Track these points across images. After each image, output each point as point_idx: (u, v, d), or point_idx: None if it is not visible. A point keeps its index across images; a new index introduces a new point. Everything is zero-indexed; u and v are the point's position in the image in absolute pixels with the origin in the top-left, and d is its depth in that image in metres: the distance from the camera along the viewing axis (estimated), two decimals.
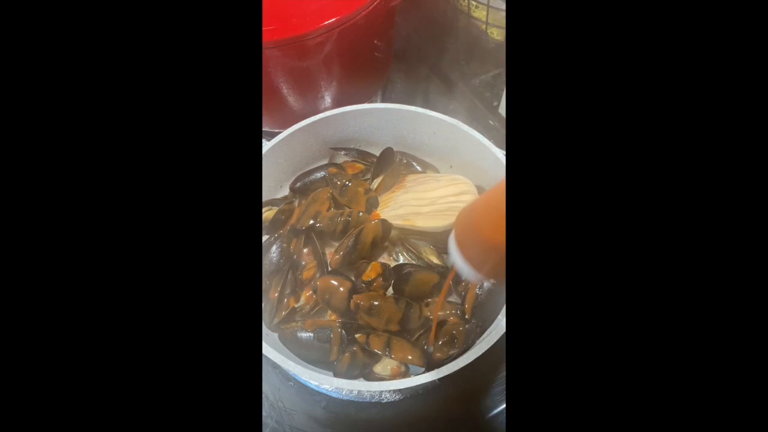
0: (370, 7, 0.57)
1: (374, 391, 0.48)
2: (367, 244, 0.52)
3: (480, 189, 0.55)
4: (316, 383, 0.40)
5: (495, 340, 0.42)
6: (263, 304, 0.50)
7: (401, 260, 0.55)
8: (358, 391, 0.49)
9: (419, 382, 0.39)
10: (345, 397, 0.50)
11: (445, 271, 0.52)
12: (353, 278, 0.51)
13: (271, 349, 0.41)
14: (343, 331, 0.47)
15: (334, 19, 0.55)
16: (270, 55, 0.55)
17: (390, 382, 0.39)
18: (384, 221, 0.53)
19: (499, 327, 0.43)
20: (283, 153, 0.57)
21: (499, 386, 0.50)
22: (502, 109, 0.71)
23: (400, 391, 0.48)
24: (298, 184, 0.59)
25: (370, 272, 0.50)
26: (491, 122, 0.73)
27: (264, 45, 0.53)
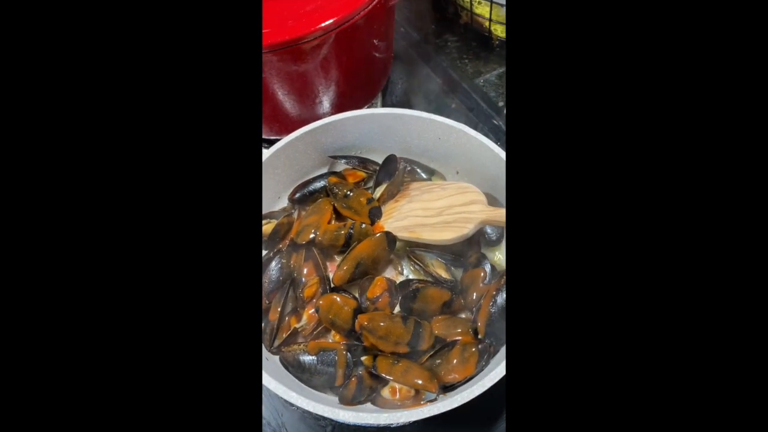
0: (369, 7, 0.54)
1: None
2: (371, 258, 0.49)
3: (488, 197, 0.52)
4: (324, 415, 0.38)
5: None
6: (263, 325, 0.47)
7: (406, 273, 0.52)
8: None
9: (432, 413, 0.36)
10: (360, 421, 0.47)
11: (454, 285, 0.49)
12: (357, 295, 0.48)
13: (271, 379, 0.38)
14: (349, 354, 0.44)
15: (332, 20, 0.52)
16: (265, 60, 0.52)
17: (400, 412, 0.36)
18: (388, 234, 0.50)
19: None
20: (280, 162, 0.54)
21: None
22: None
23: None
24: (297, 195, 0.56)
25: (375, 288, 0.48)
26: (496, 122, 0.70)
27: None
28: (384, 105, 0.74)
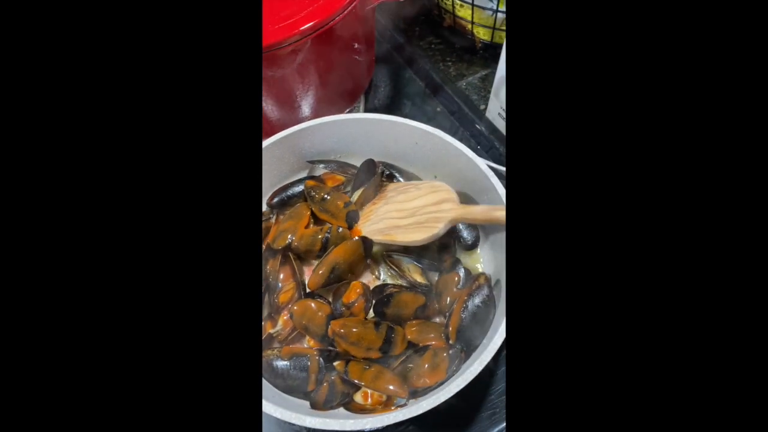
0: (346, 11, 0.54)
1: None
2: (347, 263, 0.49)
3: (463, 195, 0.52)
4: (290, 421, 0.38)
5: (481, 368, 0.39)
6: None
7: (383, 278, 0.52)
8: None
9: (399, 419, 0.37)
10: (326, 427, 0.47)
11: (428, 290, 0.50)
12: (331, 300, 0.48)
13: None
14: (321, 360, 0.44)
15: (310, 24, 0.52)
16: None
17: (367, 418, 0.37)
18: (364, 238, 0.50)
19: (487, 351, 0.40)
20: None
21: (487, 411, 0.48)
22: (490, 114, 0.69)
23: None
24: (276, 200, 0.56)
25: (350, 293, 0.48)
26: (478, 126, 0.71)
27: None
28: (367, 108, 0.74)
